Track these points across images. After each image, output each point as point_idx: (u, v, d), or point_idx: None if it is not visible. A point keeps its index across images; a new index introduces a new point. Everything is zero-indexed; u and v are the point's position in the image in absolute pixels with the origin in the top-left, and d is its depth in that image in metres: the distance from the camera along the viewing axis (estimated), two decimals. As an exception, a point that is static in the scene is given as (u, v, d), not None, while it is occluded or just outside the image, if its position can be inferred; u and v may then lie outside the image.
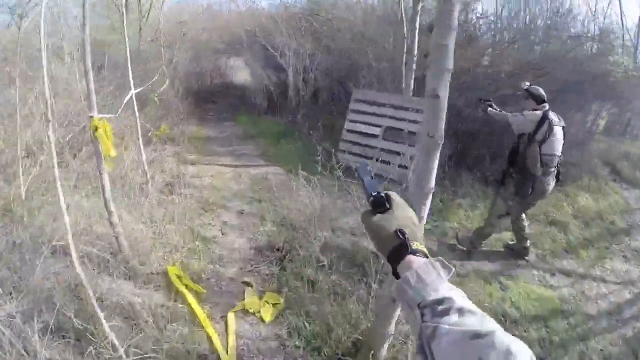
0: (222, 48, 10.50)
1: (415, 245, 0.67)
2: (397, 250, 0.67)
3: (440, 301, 0.58)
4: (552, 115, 3.42)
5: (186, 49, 9.44)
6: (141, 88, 5.27)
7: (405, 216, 0.71)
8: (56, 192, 2.15)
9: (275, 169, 6.00)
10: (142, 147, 4.79)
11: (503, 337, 0.50)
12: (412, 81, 6.04)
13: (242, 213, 4.64)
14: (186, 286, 3.44)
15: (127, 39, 4.24)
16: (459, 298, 0.59)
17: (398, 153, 5.70)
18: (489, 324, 0.54)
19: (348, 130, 6.28)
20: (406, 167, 5.57)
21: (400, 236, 0.67)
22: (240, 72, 12.04)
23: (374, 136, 6.04)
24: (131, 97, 4.53)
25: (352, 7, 7.78)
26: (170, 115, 7.53)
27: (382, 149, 5.92)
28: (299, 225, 4.20)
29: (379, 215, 0.71)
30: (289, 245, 3.98)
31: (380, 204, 0.72)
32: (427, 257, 0.67)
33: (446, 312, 0.56)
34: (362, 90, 6.47)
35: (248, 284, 3.62)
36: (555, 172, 3.53)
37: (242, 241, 4.15)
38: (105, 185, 3.19)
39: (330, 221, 4.33)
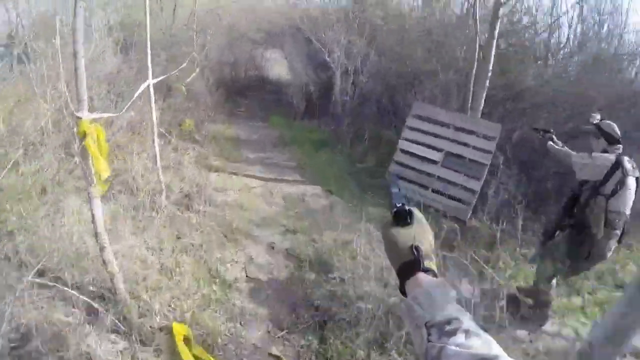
0: (260, 37, 9.60)
1: (428, 264, 0.67)
2: (409, 265, 0.67)
3: (448, 321, 0.58)
4: (627, 162, 2.71)
5: (221, 35, 8.59)
6: (162, 77, 4.40)
7: (424, 235, 0.71)
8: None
9: (313, 188, 5.04)
10: (157, 150, 3.93)
11: None
12: (483, 100, 5.01)
13: (273, 248, 3.71)
14: (195, 357, 2.54)
15: (147, 18, 3.35)
16: (467, 320, 0.59)
17: (458, 184, 4.69)
18: (495, 349, 0.55)
19: (402, 151, 5.26)
20: (465, 202, 4.54)
21: (415, 252, 0.67)
22: (277, 66, 11.13)
23: (432, 162, 5.01)
24: (148, 86, 3.66)
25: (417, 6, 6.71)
26: (197, 108, 6.68)
27: (439, 178, 4.90)
28: (344, 275, 3.26)
29: (398, 228, 0.71)
30: (330, 303, 3.04)
31: (403, 217, 0.72)
32: (436, 277, 0.66)
33: (453, 333, 0.56)
34: (423, 104, 5.41)
35: (278, 358, 2.70)
36: (620, 233, 2.78)
37: (271, 291, 3.22)
38: (96, 215, 2.30)
39: (382, 271, 3.34)
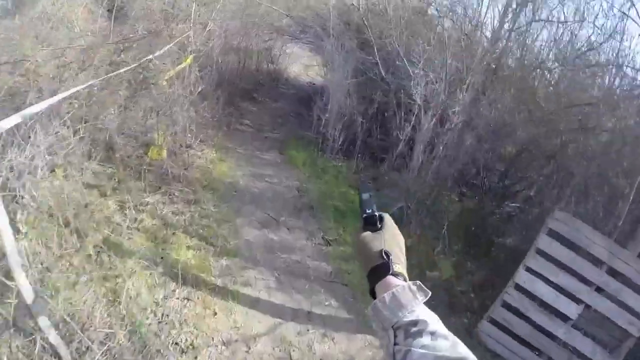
0: (286, 25, 7.08)
1: (397, 268, 0.66)
2: (379, 269, 0.66)
3: (414, 323, 0.57)
4: None
5: (232, 13, 6.02)
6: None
7: (394, 239, 0.71)
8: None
9: (371, 338, 2.62)
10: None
11: None
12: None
13: None
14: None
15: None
16: (433, 321, 0.58)
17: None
18: (461, 350, 0.53)
19: (518, 288, 2.94)
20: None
21: (385, 257, 0.67)
22: (298, 65, 8.63)
23: (562, 317, 2.83)
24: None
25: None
26: (180, 119, 4.15)
27: (566, 346, 2.71)
28: None
29: (368, 233, 0.72)
30: None
31: (372, 223, 0.73)
32: (406, 281, 0.65)
33: (419, 334, 0.55)
34: (567, 216, 3.03)
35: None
36: None
37: None
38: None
39: None
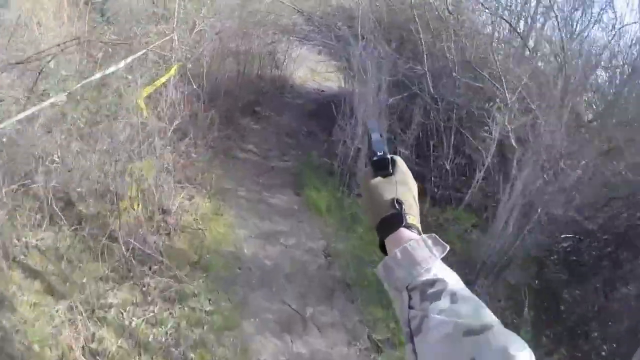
0: (293, 23, 5.86)
1: (411, 219, 0.57)
2: (390, 220, 0.57)
3: (431, 283, 0.48)
4: None
5: (230, 9, 4.80)
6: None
7: (407, 186, 0.61)
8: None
9: None
10: None
11: (501, 335, 0.42)
12: None
13: None
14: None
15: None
16: (453, 281, 0.49)
17: None
18: (486, 316, 0.45)
19: None
20: None
21: (397, 206, 0.58)
22: (302, 69, 7.44)
23: None
24: None
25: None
26: (155, 164, 2.95)
27: None
28: None
29: (379, 179, 0.62)
30: None
31: (383, 166, 0.62)
32: (420, 234, 0.56)
33: (437, 297, 0.47)
34: None
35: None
36: None
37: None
38: None
39: None
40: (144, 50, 3.10)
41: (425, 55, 3.37)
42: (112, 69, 2.80)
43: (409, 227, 0.56)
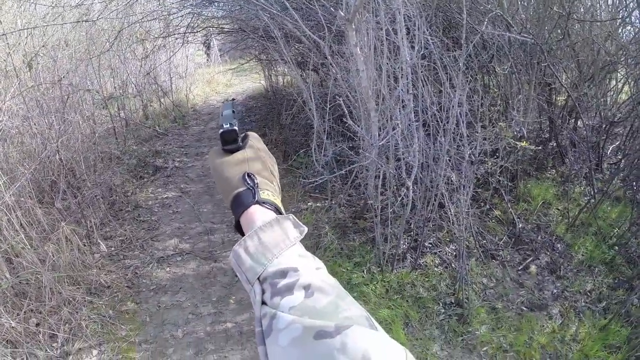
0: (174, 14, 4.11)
1: (266, 194, 0.49)
2: (242, 197, 0.49)
3: (282, 273, 0.39)
4: None
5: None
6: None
7: (261, 161, 0.54)
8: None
9: None
10: None
11: (360, 337, 0.31)
12: None
13: None
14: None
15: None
16: (309, 269, 0.39)
17: None
18: (346, 311, 0.35)
19: None
20: None
21: (248, 181, 0.50)
22: (199, 84, 5.71)
23: None
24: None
25: None
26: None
27: None
28: None
29: (228, 154, 0.55)
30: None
31: (231, 140, 0.55)
32: (281, 213, 0.48)
33: (289, 290, 0.37)
34: None
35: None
36: None
37: None
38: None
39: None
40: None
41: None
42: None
43: (263, 202, 0.47)
